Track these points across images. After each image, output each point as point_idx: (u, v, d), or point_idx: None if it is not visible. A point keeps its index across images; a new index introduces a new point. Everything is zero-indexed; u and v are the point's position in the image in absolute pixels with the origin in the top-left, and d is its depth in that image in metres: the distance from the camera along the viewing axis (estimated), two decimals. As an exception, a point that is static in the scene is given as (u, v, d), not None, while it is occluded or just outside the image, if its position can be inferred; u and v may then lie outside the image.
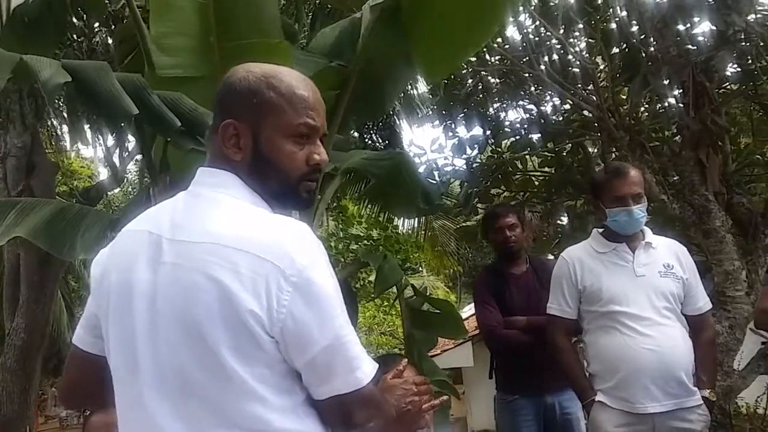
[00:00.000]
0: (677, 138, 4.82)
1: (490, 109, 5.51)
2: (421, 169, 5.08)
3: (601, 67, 4.86)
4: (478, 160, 5.68)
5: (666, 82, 4.19)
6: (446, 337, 4.67)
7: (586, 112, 4.88)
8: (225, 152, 1.11)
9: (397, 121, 7.47)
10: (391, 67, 2.30)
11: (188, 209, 1.09)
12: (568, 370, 2.51)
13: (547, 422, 3.00)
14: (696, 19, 4.07)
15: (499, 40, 4.88)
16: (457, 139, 5.50)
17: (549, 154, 5.50)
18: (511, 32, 4.94)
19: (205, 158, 1.17)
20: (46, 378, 10.58)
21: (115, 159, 6.42)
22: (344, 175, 3.23)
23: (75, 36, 5.26)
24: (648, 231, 2.47)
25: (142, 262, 1.06)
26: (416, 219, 9.58)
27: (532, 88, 5.14)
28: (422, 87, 5.83)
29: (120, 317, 1.07)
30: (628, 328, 2.31)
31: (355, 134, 7.00)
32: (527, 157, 5.64)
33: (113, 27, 5.10)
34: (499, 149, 5.60)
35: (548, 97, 5.25)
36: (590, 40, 4.75)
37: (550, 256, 4.74)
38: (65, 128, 7.00)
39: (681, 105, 4.50)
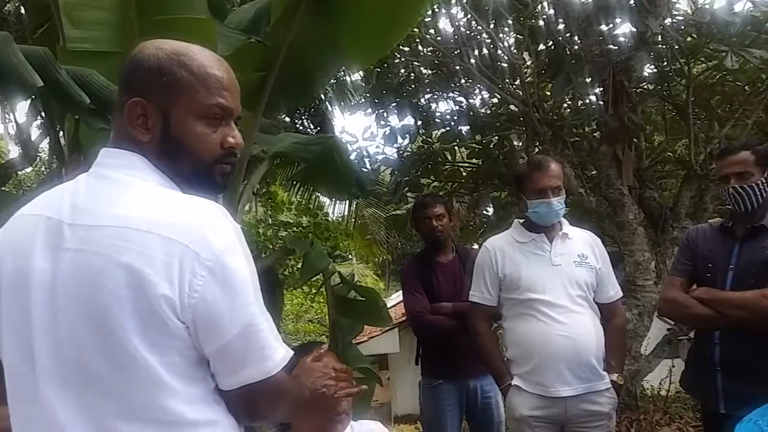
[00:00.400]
0: (596, 134, 5.06)
1: (422, 100, 5.58)
2: (352, 157, 5.08)
3: (528, 63, 5.00)
4: (409, 150, 5.75)
5: (588, 80, 4.37)
6: (370, 324, 4.70)
7: (512, 107, 5.02)
8: (131, 132, 1.05)
9: (329, 108, 7.40)
10: (319, 52, 2.27)
11: (92, 192, 1.03)
12: (486, 355, 2.59)
13: (469, 405, 3.10)
14: (618, 21, 4.26)
15: (432, 31, 4.93)
16: (388, 128, 5.54)
17: (476, 146, 5.64)
18: (444, 24, 5.00)
19: None
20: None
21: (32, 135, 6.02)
22: (273, 160, 3.17)
23: (-18, 4, 4.86)
24: (565, 222, 2.57)
25: (39, 249, 1.00)
26: (347, 206, 9.58)
27: (462, 81, 5.23)
28: (355, 74, 5.79)
29: (14, 308, 1.01)
30: (544, 315, 2.40)
31: (286, 119, 6.89)
32: (456, 148, 5.75)
33: (26, -4, 4.76)
34: (430, 139, 5.69)
35: (477, 91, 5.38)
36: (518, 36, 4.89)
37: (476, 245, 4.86)
38: (-31, 102, 6.49)
39: (601, 103, 4.72)
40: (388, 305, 3.82)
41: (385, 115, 5.60)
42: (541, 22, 4.70)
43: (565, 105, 5.08)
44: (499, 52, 4.88)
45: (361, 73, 5.42)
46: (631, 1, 4.13)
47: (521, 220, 2.62)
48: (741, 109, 4.59)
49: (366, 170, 5.34)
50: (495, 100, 5.33)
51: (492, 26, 4.57)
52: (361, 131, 5.75)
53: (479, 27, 4.73)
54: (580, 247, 2.52)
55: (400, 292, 3.65)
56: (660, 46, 4.22)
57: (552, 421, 2.41)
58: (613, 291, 2.57)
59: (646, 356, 4.59)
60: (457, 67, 4.92)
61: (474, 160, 5.82)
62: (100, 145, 1.10)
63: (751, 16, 3.92)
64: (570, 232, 2.54)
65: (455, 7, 4.82)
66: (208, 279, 0.96)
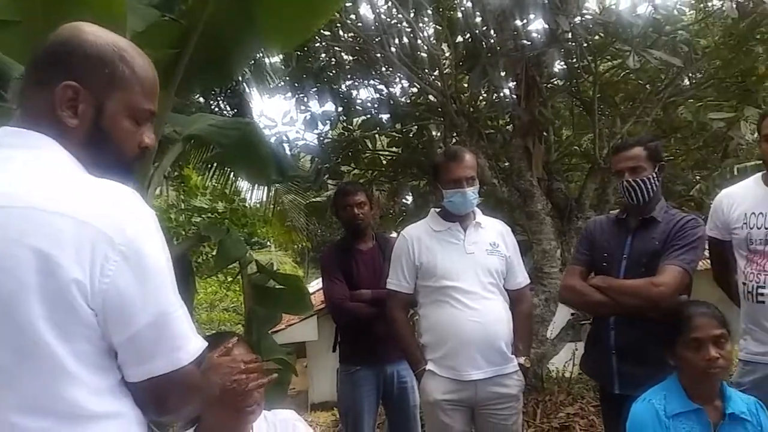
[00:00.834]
0: (509, 127, 5.23)
1: (343, 86, 5.54)
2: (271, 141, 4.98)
3: (447, 54, 5.08)
4: (330, 137, 5.71)
5: (502, 73, 4.50)
6: (291, 313, 4.64)
7: (431, 97, 5.09)
8: (57, 115, 1.01)
9: (247, 90, 7.21)
10: (237, 31, 2.19)
11: None
12: (402, 341, 2.64)
13: (386, 391, 3.15)
14: (531, 17, 4.41)
15: (353, 17, 4.90)
16: (309, 113, 5.47)
17: (396, 135, 5.69)
18: (364, 11, 4.98)
19: (7, 114, 1.04)
20: None
21: None
22: (187, 142, 3.04)
23: None
24: (478, 212, 2.65)
25: None
26: (265, 192, 9.39)
27: (383, 69, 5.24)
28: (274, 57, 5.66)
29: None
30: (458, 301, 2.48)
31: (200, 99, 6.65)
32: (376, 136, 5.77)
33: None
34: (350, 127, 5.67)
35: (397, 79, 5.41)
36: (438, 27, 4.95)
37: (395, 234, 4.92)
38: None
39: (514, 96, 4.89)
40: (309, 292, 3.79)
41: (305, 100, 5.52)
42: (460, 15, 4.78)
43: (481, 97, 5.21)
44: (419, 42, 4.93)
45: (280, 55, 5.30)
46: (543, -1, 4.29)
47: (437, 210, 2.68)
48: (642, 106, 4.89)
49: (286, 156, 5.25)
50: (414, 90, 5.39)
51: (412, 16, 4.61)
52: (281, 116, 5.66)
53: (400, 15, 4.75)
54: (491, 236, 2.61)
55: (320, 279, 3.64)
56: (569, 43, 4.41)
57: (463, 404, 2.49)
58: (522, 278, 2.68)
59: (551, 340, 4.83)
60: (378, 55, 4.93)
61: (394, 149, 5.87)
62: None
63: (652, 19, 4.18)
64: (483, 222, 2.63)
65: (376, -7, 4.82)
66: (120, 264, 0.93)
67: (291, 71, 5.43)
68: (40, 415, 0.92)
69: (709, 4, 4.74)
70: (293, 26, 2.07)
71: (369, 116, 5.51)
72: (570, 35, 4.27)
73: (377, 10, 4.86)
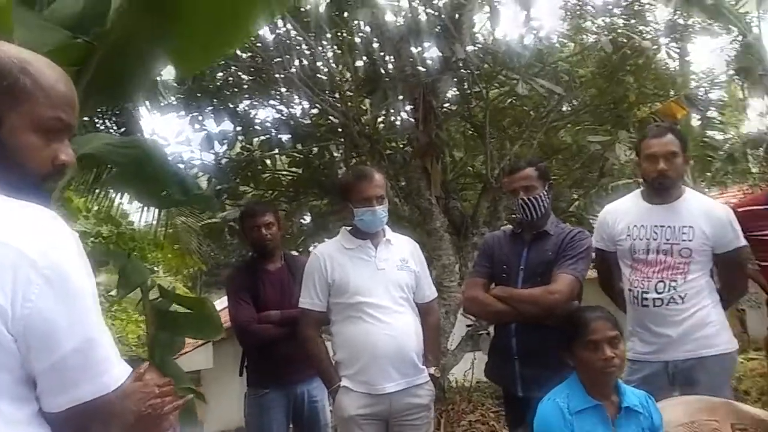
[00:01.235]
0: (408, 148, 5.43)
1: (240, 106, 5.48)
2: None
3: (347, 76, 5.19)
4: (228, 156, 5.60)
5: (400, 98, 4.68)
6: (199, 337, 4.47)
7: (332, 118, 5.17)
8: None
9: (136, 108, 6.87)
10: (145, 51, 2.13)
11: None
12: (316, 359, 2.65)
13: (296, 412, 3.12)
14: (426, 44, 4.63)
15: (251, 37, 4.87)
16: (205, 132, 5.34)
17: (297, 155, 5.69)
18: (264, 31, 4.97)
19: None
20: None
21: None
22: (79, 162, 2.87)
23: None
24: (388, 229, 2.74)
25: None
26: (157, 214, 8.93)
27: (283, 89, 5.25)
28: (167, 74, 5.46)
29: None
30: (370, 316, 2.53)
31: (85, 118, 6.25)
32: (277, 156, 5.74)
33: None
34: (250, 146, 5.60)
35: (298, 100, 5.43)
36: (338, 50, 5.06)
37: (295, 252, 4.90)
38: None
39: (412, 120, 5.09)
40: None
41: (200, 119, 5.39)
42: (358, 39, 4.92)
43: (380, 120, 5.37)
44: (319, 63, 5.00)
45: (177, 75, 5.14)
46: (438, 28, 4.53)
47: (348, 228, 2.73)
48: (528, 130, 5.27)
49: (189, 174, 5.07)
50: (315, 111, 5.44)
51: (312, 38, 4.67)
52: (174, 135, 5.47)
53: (299, 37, 4.80)
54: (401, 252, 2.70)
55: (225, 300, 3.55)
56: (462, 71, 4.68)
57: (378, 417, 2.54)
58: (429, 291, 2.79)
59: (452, 351, 5.02)
60: (278, 75, 4.93)
61: (294, 169, 5.86)
62: None
63: (537, 50, 4.55)
64: (392, 238, 2.71)
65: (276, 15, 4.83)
66: (44, 288, 0.90)
67: (186, 89, 5.28)
68: None
69: (586, 38, 5.25)
70: (208, 47, 2.05)
71: (269, 136, 5.48)
72: (462, 63, 4.53)
73: (277, 31, 4.88)
